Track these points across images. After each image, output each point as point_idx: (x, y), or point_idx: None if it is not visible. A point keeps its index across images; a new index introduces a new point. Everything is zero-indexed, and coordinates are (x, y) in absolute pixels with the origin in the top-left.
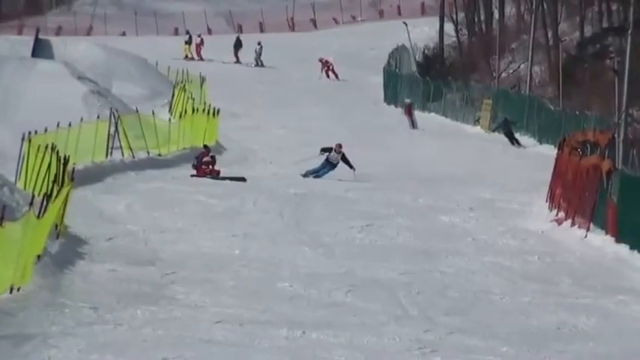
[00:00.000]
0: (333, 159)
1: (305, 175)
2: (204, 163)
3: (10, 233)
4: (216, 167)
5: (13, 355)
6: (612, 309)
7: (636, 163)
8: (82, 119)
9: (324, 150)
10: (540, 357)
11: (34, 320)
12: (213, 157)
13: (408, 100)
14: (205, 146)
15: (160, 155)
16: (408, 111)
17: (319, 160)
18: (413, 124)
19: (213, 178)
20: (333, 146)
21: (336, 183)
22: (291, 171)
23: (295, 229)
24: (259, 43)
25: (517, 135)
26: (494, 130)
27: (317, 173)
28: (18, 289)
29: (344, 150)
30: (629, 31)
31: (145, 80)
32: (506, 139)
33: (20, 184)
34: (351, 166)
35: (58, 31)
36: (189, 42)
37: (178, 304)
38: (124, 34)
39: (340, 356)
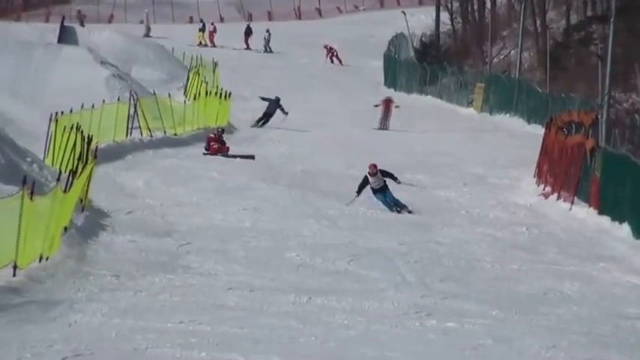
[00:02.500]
0: (377, 185)
1: (395, 210)
2: (215, 140)
3: (40, 207)
4: (227, 145)
5: (42, 320)
6: (594, 275)
7: (617, 142)
8: (104, 101)
9: (360, 188)
10: (528, 320)
11: (61, 287)
12: (221, 137)
13: (388, 96)
14: (220, 130)
15: (175, 135)
16: (386, 107)
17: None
18: (384, 123)
19: (224, 155)
20: (368, 171)
21: (338, 161)
22: (299, 149)
23: (302, 203)
24: (268, 31)
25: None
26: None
27: (393, 206)
28: (47, 259)
29: (379, 167)
30: (612, 19)
31: (161, 65)
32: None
33: (48, 161)
34: (395, 179)
35: (83, 19)
36: (202, 30)
37: (193, 272)
38: (142, 22)
39: (343, 320)
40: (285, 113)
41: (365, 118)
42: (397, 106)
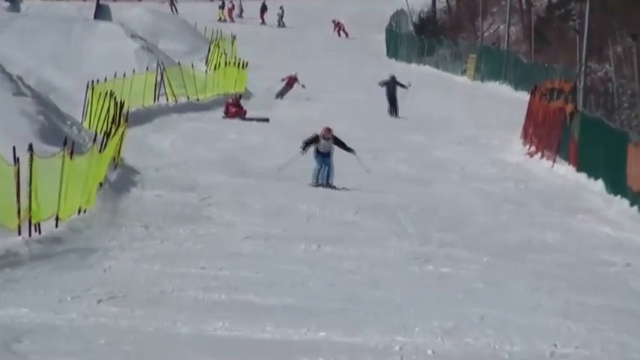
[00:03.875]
0: (324, 149)
1: (317, 185)
2: (233, 105)
3: (78, 165)
4: (244, 109)
5: (80, 266)
6: (573, 225)
7: (593, 107)
8: (134, 71)
9: (307, 143)
10: (514, 266)
11: (97, 237)
12: (238, 102)
13: (294, 73)
14: (238, 96)
15: (197, 100)
16: (290, 82)
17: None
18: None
19: (241, 118)
20: (320, 132)
21: (346, 124)
22: (310, 113)
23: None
24: (281, 8)
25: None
26: (380, 85)
27: (322, 176)
28: (85, 211)
29: (334, 133)
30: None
31: (185, 38)
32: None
33: (85, 124)
34: (348, 149)
35: None
36: (222, 7)
37: (214, 222)
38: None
39: (349, 265)
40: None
41: (369, 85)
42: (303, 86)
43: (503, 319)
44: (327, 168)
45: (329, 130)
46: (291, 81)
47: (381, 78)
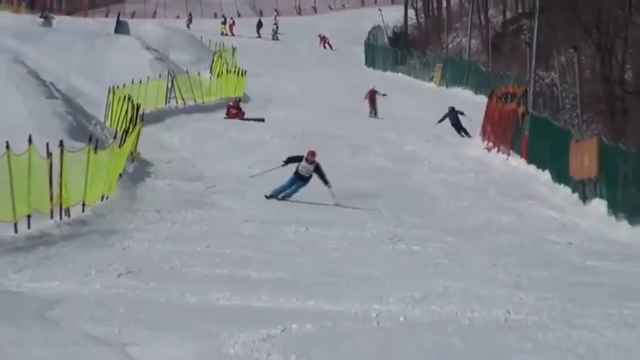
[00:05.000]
0: (303, 171)
1: (271, 197)
2: (233, 107)
3: (101, 158)
4: (243, 111)
5: (103, 245)
6: (524, 210)
7: (541, 108)
8: (148, 78)
9: (290, 160)
10: (474, 244)
11: (117, 220)
12: (238, 105)
13: (372, 86)
14: (237, 100)
15: (203, 103)
16: (371, 97)
17: (285, 174)
18: (374, 112)
19: (240, 119)
20: (305, 154)
21: (330, 123)
22: (300, 114)
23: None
24: (275, 23)
25: (464, 124)
26: (438, 122)
27: (285, 192)
28: (107, 198)
29: (317, 159)
30: (536, 15)
31: (192, 50)
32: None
33: (107, 124)
34: (326, 182)
35: (133, 15)
36: (224, 23)
37: (217, 208)
38: (178, 17)
39: (333, 245)
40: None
41: (350, 90)
42: (384, 94)
43: (464, 290)
44: (293, 190)
45: (313, 153)
46: (372, 95)
47: (360, 83)
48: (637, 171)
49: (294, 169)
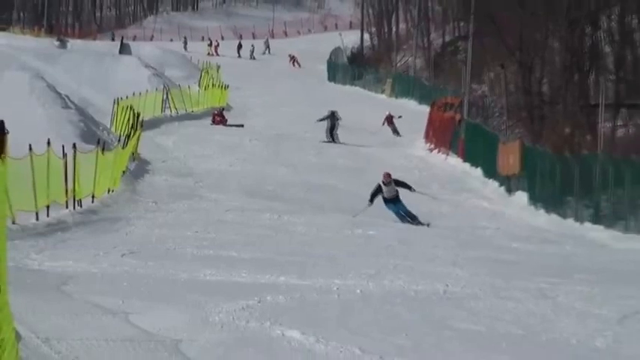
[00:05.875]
0: (390, 195)
1: (413, 223)
2: (217, 115)
3: (107, 158)
4: (226, 118)
5: (109, 230)
6: (460, 201)
7: (474, 116)
8: (147, 90)
9: (373, 195)
10: (420, 229)
11: (121, 209)
12: (222, 113)
13: (387, 112)
14: (221, 109)
15: (192, 112)
16: (389, 121)
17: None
18: (396, 132)
19: (224, 125)
20: (381, 181)
21: (299, 128)
22: (273, 121)
23: (275, 155)
24: (252, 45)
25: (337, 131)
26: (319, 121)
27: (403, 217)
28: (112, 191)
29: (393, 177)
30: (470, 39)
31: (184, 67)
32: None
33: (112, 129)
34: (409, 187)
35: (134, 38)
36: (210, 45)
37: (204, 199)
38: (171, 40)
39: (302, 230)
40: (339, 118)
41: (314, 99)
42: (400, 117)
43: (411, 267)
44: (402, 211)
45: (389, 175)
46: (390, 119)
47: (323, 95)
48: (552, 168)
49: (383, 201)
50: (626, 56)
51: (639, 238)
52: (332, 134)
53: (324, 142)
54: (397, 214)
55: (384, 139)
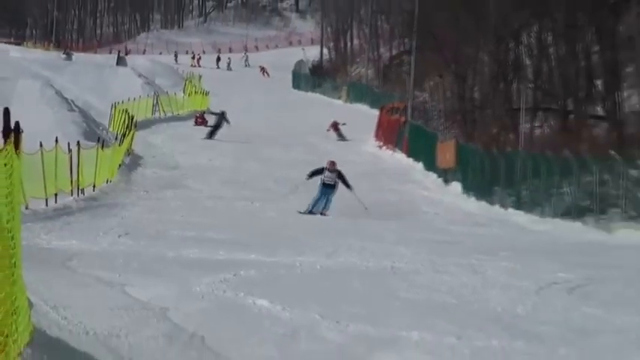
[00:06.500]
0: (329, 180)
1: (306, 212)
2: (199, 117)
3: (107, 153)
4: (207, 120)
5: (107, 214)
6: (405, 191)
7: (416, 118)
8: (140, 96)
9: (314, 173)
10: (369, 213)
11: (118, 197)
12: (203, 116)
13: (333, 119)
14: (202, 112)
15: (178, 114)
16: (334, 127)
17: (313, 188)
18: (342, 136)
19: (205, 126)
20: (325, 165)
21: (267, 128)
22: (245, 122)
23: (247, 152)
24: (229, 58)
25: (222, 128)
26: (210, 113)
27: (323, 207)
28: (110, 181)
29: (339, 168)
30: (413, 53)
31: (170, 77)
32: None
33: (110, 129)
34: (348, 186)
35: (129, 52)
36: (193, 57)
37: (189, 189)
38: (160, 53)
39: (270, 214)
40: (229, 123)
41: (281, 105)
42: (344, 124)
43: (362, 246)
44: (325, 201)
45: (333, 163)
46: (335, 125)
47: (288, 100)
48: (481, 162)
49: (320, 183)
50: (542, 67)
51: (553, 222)
52: (212, 132)
53: (204, 139)
54: (318, 200)
55: (340, 136)
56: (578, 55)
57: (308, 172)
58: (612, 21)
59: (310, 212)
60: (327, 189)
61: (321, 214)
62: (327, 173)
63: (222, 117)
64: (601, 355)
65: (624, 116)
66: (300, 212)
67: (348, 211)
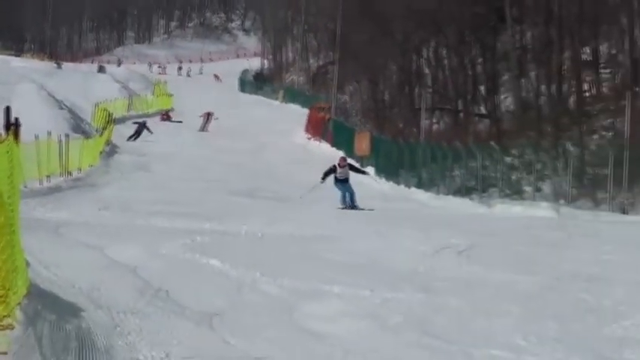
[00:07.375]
0: (342, 176)
1: (346, 208)
2: (165, 114)
3: (90, 143)
4: (171, 116)
5: (90, 192)
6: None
7: (339, 115)
8: (116, 98)
9: (326, 174)
10: (301, 193)
11: (98, 178)
12: (167, 113)
13: (209, 110)
14: (167, 110)
15: (148, 112)
16: (207, 117)
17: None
18: (203, 127)
19: (169, 121)
20: (337, 163)
21: (219, 122)
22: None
23: (203, 142)
24: (189, 67)
25: (146, 135)
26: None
27: (348, 203)
28: (92, 166)
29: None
30: (336, 63)
31: (142, 82)
32: None
33: (93, 124)
34: (363, 172)
35: (108, 62)
36: (159, 67)
37: (157, 171)
38: (134, 63)
39: (224, 192)
40: (151, 132)
41: (230, 104)
42: (216, 119)
43: (297, 218)
44: (348, 193)
45: (344, 159)
46: (207, 115)
47: (236, 101)
48: (390, 150)
49: (334, 180)
50: (438, 76)
51: (446, 198)
52: (133, 136)
53: (127, 141)
54: (344, 195)
55: (277, 130)
56: (466, 66)
57: (321, 175)
58: (492, 39)
59: (344, 208)
60: (343, 183)
61: (353, 207)
62: (339, 170)
63: (142, 126)
64: (483, 304)
65: (501, 114)
66: (339, 208)
67: (281, 189)
